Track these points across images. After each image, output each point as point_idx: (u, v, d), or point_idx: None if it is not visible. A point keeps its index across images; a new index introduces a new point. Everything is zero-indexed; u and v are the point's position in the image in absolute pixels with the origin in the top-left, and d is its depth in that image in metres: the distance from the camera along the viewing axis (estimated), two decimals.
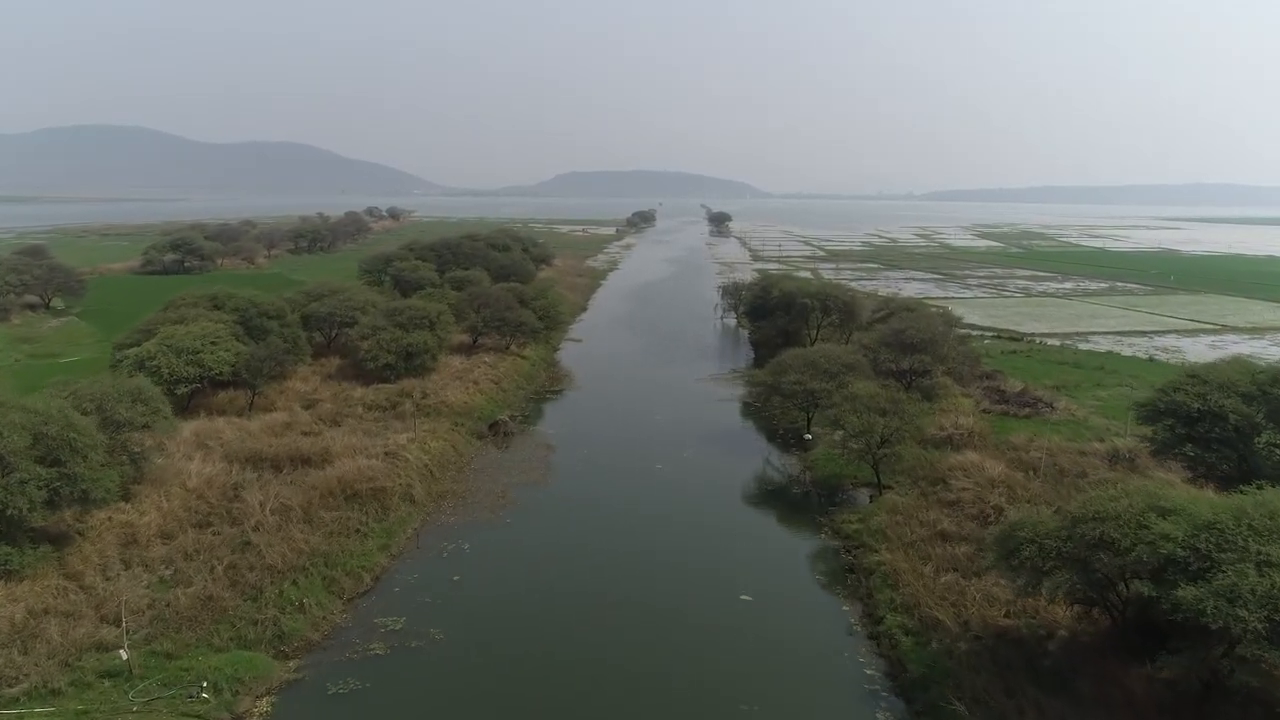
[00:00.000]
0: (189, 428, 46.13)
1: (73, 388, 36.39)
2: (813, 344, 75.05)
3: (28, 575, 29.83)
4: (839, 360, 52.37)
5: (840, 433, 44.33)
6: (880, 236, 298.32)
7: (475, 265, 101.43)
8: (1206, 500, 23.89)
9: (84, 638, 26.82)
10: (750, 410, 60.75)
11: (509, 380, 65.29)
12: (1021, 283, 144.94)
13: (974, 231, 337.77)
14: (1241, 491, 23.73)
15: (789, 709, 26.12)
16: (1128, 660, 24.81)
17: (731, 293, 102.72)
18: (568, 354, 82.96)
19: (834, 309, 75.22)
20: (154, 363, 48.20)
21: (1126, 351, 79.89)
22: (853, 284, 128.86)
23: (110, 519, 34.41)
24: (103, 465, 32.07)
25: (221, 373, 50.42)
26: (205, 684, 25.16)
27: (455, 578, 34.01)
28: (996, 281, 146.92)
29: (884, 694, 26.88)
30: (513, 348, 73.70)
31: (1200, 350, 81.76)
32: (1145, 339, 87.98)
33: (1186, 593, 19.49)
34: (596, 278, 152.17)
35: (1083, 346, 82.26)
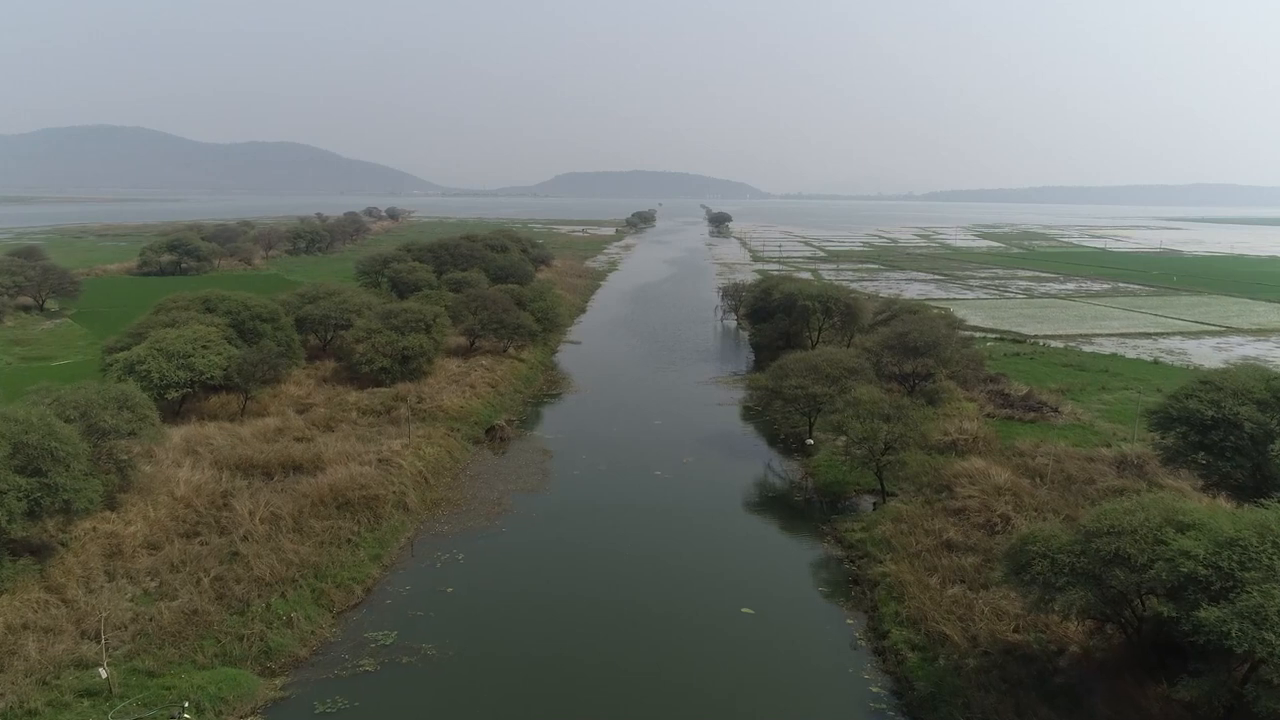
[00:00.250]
0: (179, 433, 45.25)
1: (56, 394, 35.50)
2: (814, 347, 74.25)
3: (7, 589, 28.93)
4: (841, 364, 51.52)
5: (843, 439, 43.47)
6: (880, 237, 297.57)
7: (473, 266, 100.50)
8: (1226, 514, 22.98)
9: (63, 654, 25.92)
10: (751, 414, 59.88)
11: (506, 384, 64.42)
12: (1023, 284, 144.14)
13: (974, 232, 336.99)
14: (1262, 505, 22.85)
15: None
16: (1143, 679, 23.96)
17: (731, 294, 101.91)
18: (566, 356, 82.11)
19: (835, 311, 74.37)
20: (144, 367, 47.29)
21: (1131, 354, 79.05)
22: (853, 285, 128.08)
23: (95, 529, 33.50)
24: (86, 474, 31.16)
25: (213, 377, 49.53)
26: (187, 704, 24.27)
27: (449, 589, 33.11)
28: (998, 282, 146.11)
29: (890, 713, 26.01)
30: (510, 350, 72.84)
31: (1205, 352, 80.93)
32: (1149, 341, 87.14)
33: (1209, 614, 18.61)
34: (596, 279, 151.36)
35: (1086, 349, 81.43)
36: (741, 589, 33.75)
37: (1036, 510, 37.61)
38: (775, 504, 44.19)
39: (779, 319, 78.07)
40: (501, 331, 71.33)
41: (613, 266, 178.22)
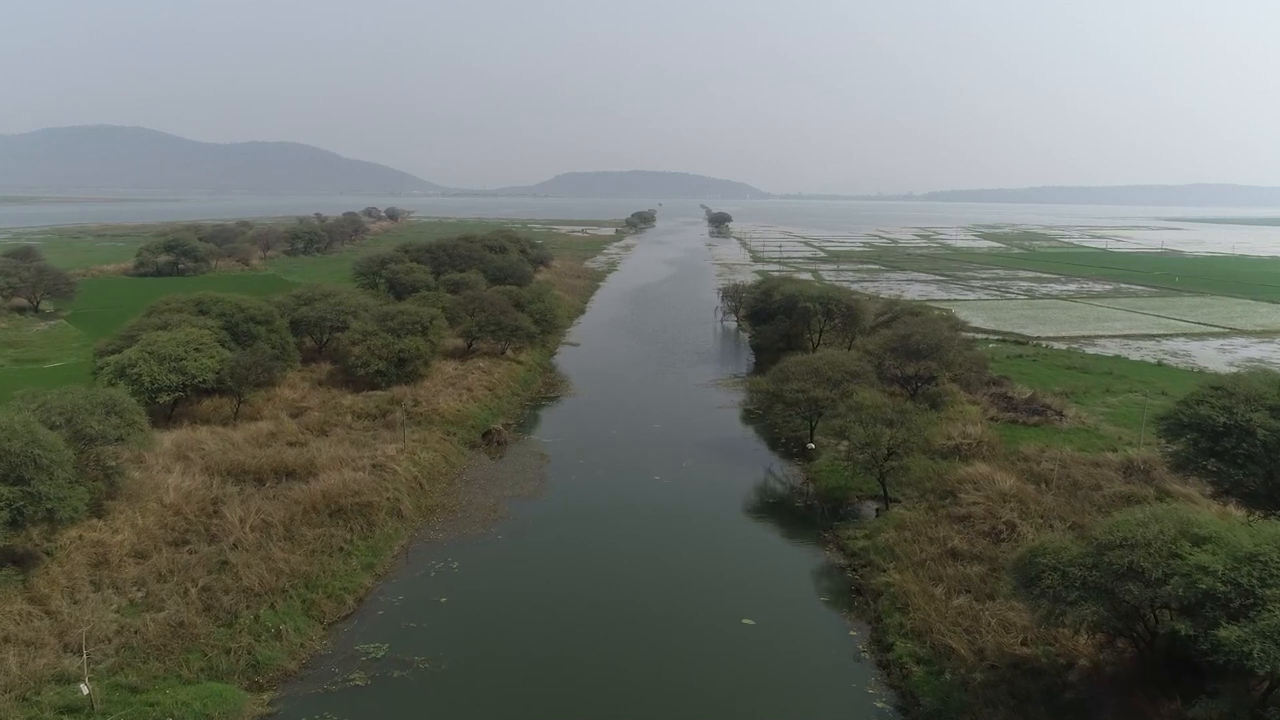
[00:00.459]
0: (170, 438, 44.52)
1: (41, 399, 34.75)
2: (815, 349, 73.54)
3: None
4: (843, 367, 50.78)
5: (845, 444, 42.75)
6: (881, 237, 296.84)
7: (471, 268, 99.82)
8: (1244, 527, 22.25)
9: (44, 669, 25.17)
10: (751, 416, 59.18)
11: (504, 386, 63.70)
12: (1025, 284, 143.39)
13: (975, 232, 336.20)
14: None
15: None
16: (1155, 695, 23.21)
17: (731, 295, 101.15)
18: (565, 358, 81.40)
19: (837, 313, 73.62)
20: (135, 370, 46.58)
21: (1134, 355, 78.32)
22: (854, 286, 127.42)
23: (81, 537, 32.75)
24: (71, 482, 30.44)
25: (205, 380, 48.81)
26: None
27: (442, 599, 32.36)
28: (999, 283, 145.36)
29: None
30: (508, 352, 72.11)
31: (1209, 354, 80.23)
32: (1153, 342, 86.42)
33: (1230, 633, 17.88)
34: (595, 279, 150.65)
35: (1089, 350, 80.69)
36: (742, 599, 33.02)
37: (1042, 517, 36.91)
38: (776, 510, 43.46)
39: (779, 321, 77.33)
40: (499, 333, 70.61)
41: (612, 267, 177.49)
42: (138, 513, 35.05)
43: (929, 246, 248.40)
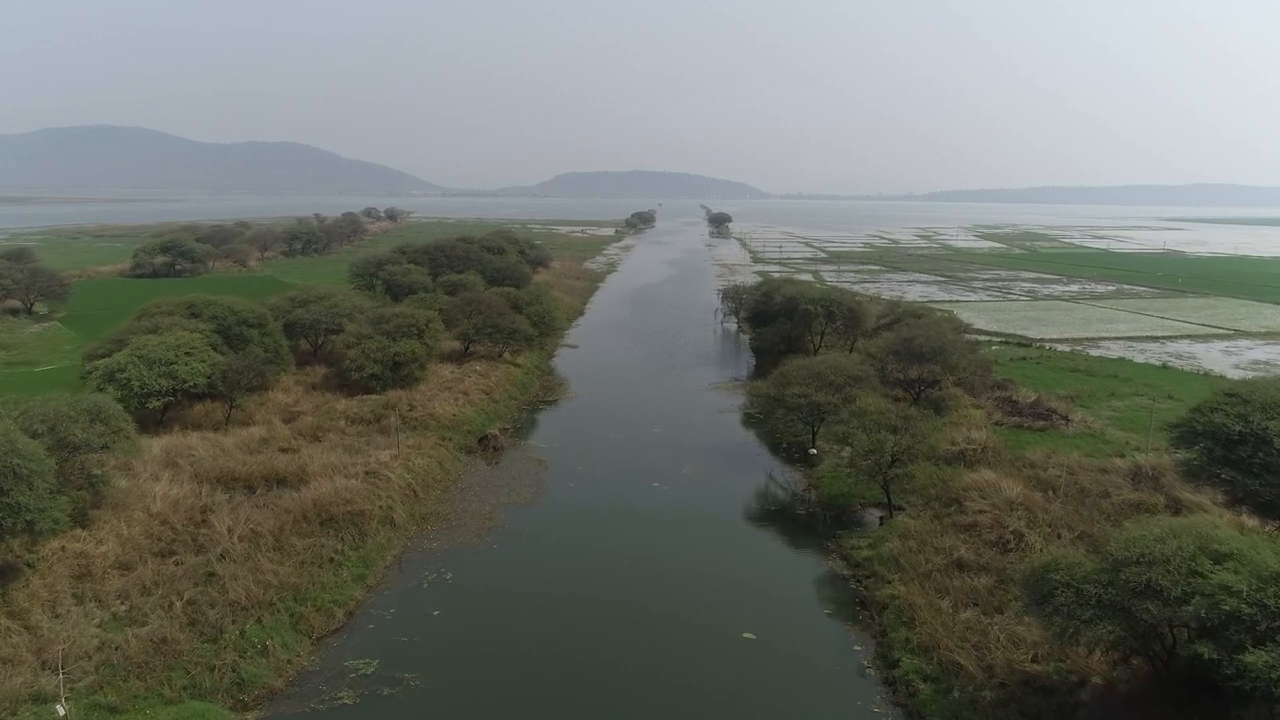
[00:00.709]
0: (159, 444, 43.67)
1: (23, 407, 33.85)
2: (816, 351, 72.70)
3: None
4: (845, 371, 49.90)
5: (848, 450, 41.87)
6: (881, 237, 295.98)
7: (469, 269, 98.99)
8: (1266, 544, 21.39)
9: (20, 688, 24.29)
10: (751, 420, 58.35)
11: (501, 390, 62.82)
12: (1027, 285, 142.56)
13: (975, 232, 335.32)
14: None
15: None
16: (1172, 715, 22.37)
17: (732, 296, 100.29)
18: (563, 361, 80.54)
19: (838, 315, 72.72)
20: (124, 375, 45.71)
21: (1139, 358, 77.45)
22: (855, 287, 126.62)
23: (64, 548, 31.86)
24: (52, 492, 29.55)
25: (196, 385, 47.92)
26: None
27: (435, 613, 31.51)
28: (1001, 284, 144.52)
29: None
30: (506, 355, 71.24)
31: (1214, 356, 79.38)
32: (1157, 344, 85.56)
33: (1256, 658, 17.04)
34: (594, 280, 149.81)
35: (1093, 352, 79.84)
36: (743, 611, 32.14)
37: (1050, 526, 36.08)
38: (778, 518, 42.58)
39: (780, 323, 76.46)
40: (496, 336, 69.73)
41: (611, 268, 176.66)
42: (123, 522, 34.18)
43: (930, 247, 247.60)
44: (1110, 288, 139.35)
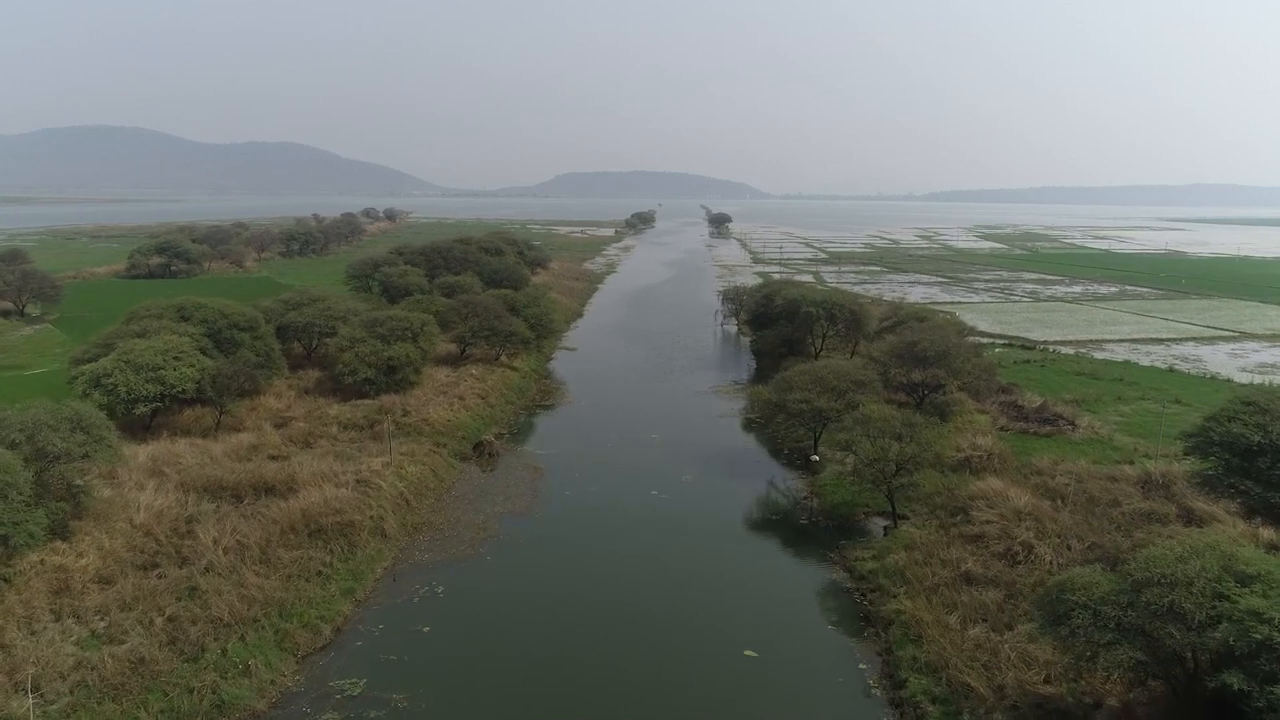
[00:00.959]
0: (146, 451, 42.65)
1: (1, 415, 32.83)
2: (817, 354, 71.72)
3: None
4: (848, 376, 48.87)
5: (851, 458, 40.86)
6: (882, 238, 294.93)
7: (467, 270, 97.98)
8: None
9: None
10: (752, 425, 57.33)
11: (497, 394, 61.76)
12: (1029, 286, 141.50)
13: (976, 233, 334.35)
14: None
15: None
16: None
17: (732, 298, 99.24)
18: (561, 363, 79.51)
19: (840, 318, 71.65)
20: (111, 380, 44.70)
21: (1144, 361, 76.40)
22: (856, 288, 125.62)
23: (43, 562, 30.80)
24: (28, 504, 28.56)
25: (185, 390, 46.87)
26: None
27: (425, 629, 30.46)
28: (1003, 285, 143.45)
29: None
30: (502, 358, 70.20)
31: (1221, 359, 78.36)
32: (1162, 347, 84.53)
33: None
34: (593, 282, 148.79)
35: (1098, 355, 78.80)
36: (744, 627, 31.12)
37: (1060, 537, 35.04)
38: (779, 527, 41.54)
39: (781, 325, 75.44)
40: (493, 339, 68.70)
41: (611, 269, 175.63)
42: (105, 534, 33.13)
43: (931, 248, 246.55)
44: (1113, 289, 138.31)
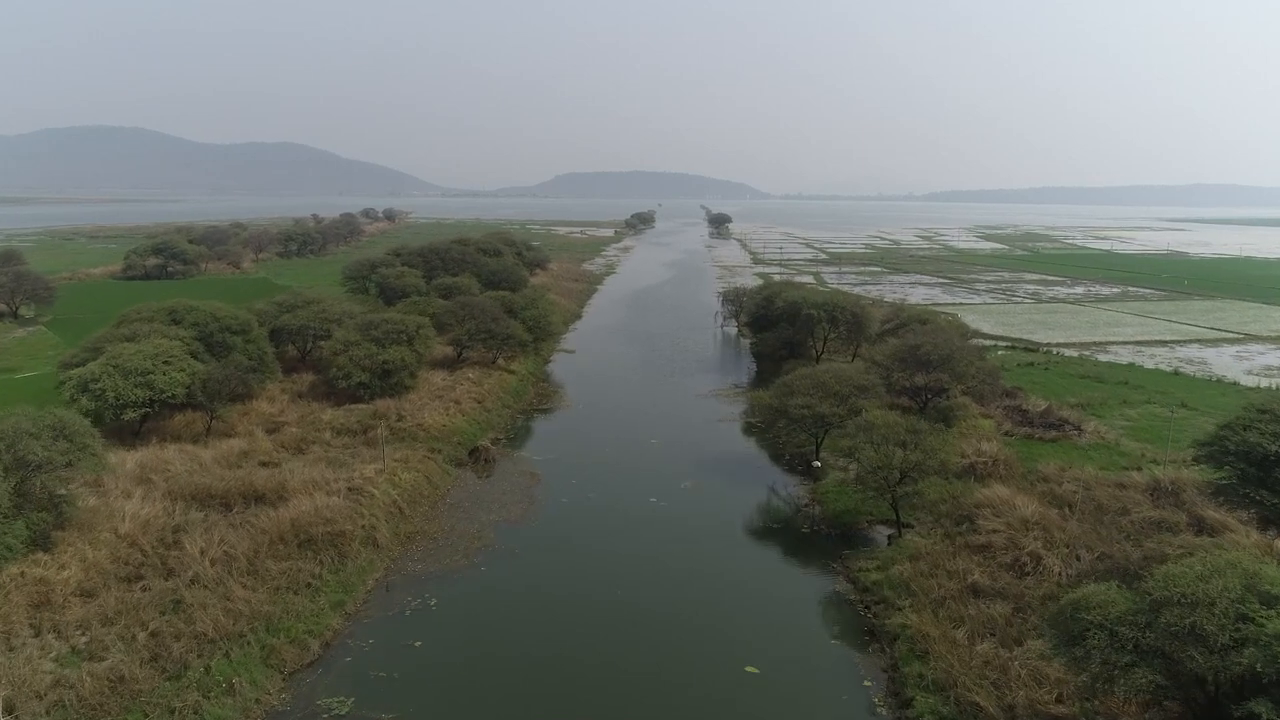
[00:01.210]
0: (134, 458, 41.77)
1: None
2: (819, 357, 70.86)
3: None
4: (851, 381, 47.99)
5: (854, 465, 39.98)
6: (882, 238, 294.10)
7: (464, 271, 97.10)
8: None
9: None
10: (753, 429, 56.44)
11: (494, 398, 60.86)
12: (1030, 287, 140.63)
13: (976, 233, 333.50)
14: None
15: None
16: None
17: (732, 300, 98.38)
18: (559, 366, 78.64)
19: (842, 321, 70.74)
20: (98, 385, 43.82)
21: (1149, 363, 75.53)
22: (857, 289, 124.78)
23: (23, 574, 29.91)
24: (6, 516, 27.69)
25: (174, 395, 45.98)
26: None
27: (416, 643, 29.57)
28: (1005, 286, 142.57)
29: None
30: (500, 361, 69.33)
31: (1226, 362, 77.49)
32: (1166, 349, 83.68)
33: None
34: (593, 283, 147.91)
35: (1102, 358, 77.95)
36: (745, 641, 30.24)
37: (1068, 547, 34.20)
38: (780, 535, 40.64)
39: (782, 328, 74.56)
40: (490, 342, 67.83)
41: (610, 269, 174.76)
42: (88, 545, 32.24)
43: (931, 248, 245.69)
44: (1115, 290, 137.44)
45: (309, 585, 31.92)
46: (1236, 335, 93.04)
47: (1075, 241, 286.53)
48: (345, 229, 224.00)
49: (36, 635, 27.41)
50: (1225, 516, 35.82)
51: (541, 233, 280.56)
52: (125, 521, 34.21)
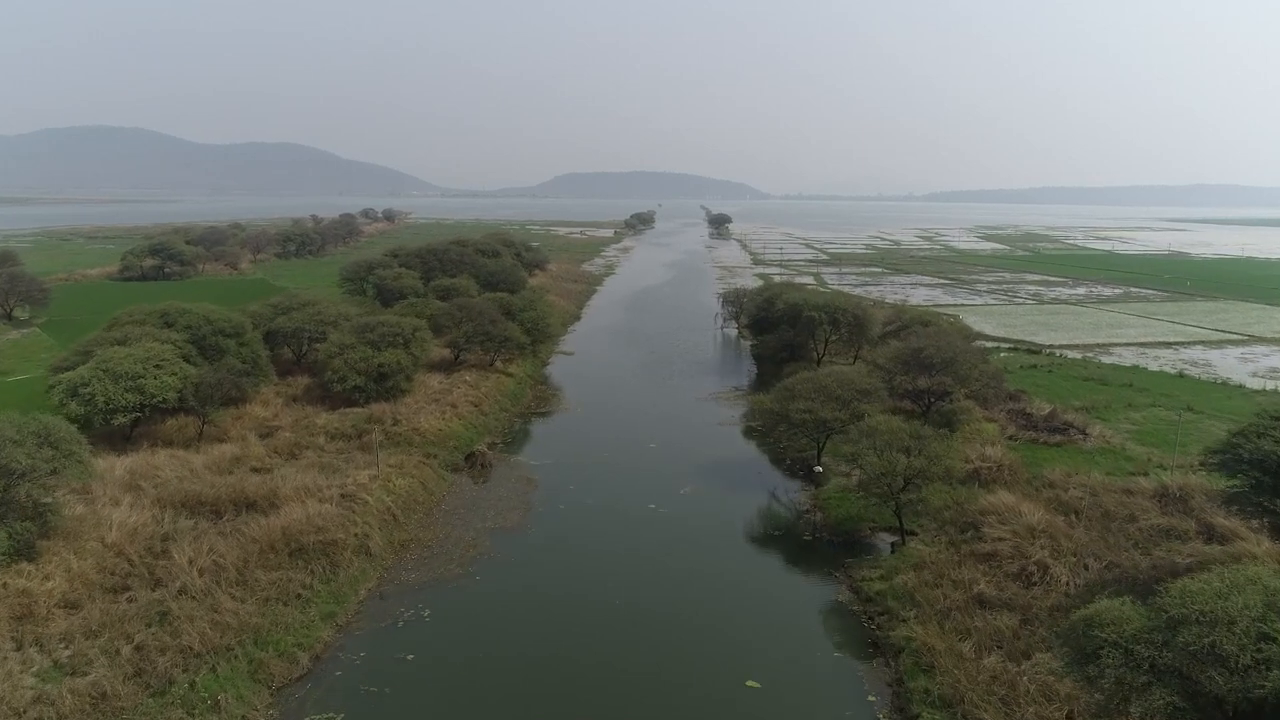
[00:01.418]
0: (124, 464, 41.05)
1: None
2: (820, 359, 70.14)
3: None
4: (853, 385, 47.24)
5: (857, 472, 39.25)
6: (883, 239, 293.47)
7: (462, 273, 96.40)
8: None
9: None
10: (753, 432, 55.69)
11: (491, 402, 60.12)
12: (1032, 288, 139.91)
13: (977, 233, 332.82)
14: None
15: None
16: None
17: (732, 301, 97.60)
18: (558, 368, 77.92)
19: (843, 323, 69.97)
20: (88, 390, 43.09)
21: (1153, 365, 74.82)
22: (857, 290, 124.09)
23: (5, 585, 29.20)
24: None
25: (166, 400, 45.25)
26: None
27: (409, 657, 28.83)
28: (1006, 287, 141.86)
29: None
30: (497, 364, 68.60)
31: (1230, 364, 76.78)
32: (1170, 351, 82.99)
33: None
34: (592, 284, 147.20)
35: (1105, 360, 77.25)
36: (746, 654, 29.51)
37: (1076, 555, 33.48)
38: (782, 542, 39.91)
39: (783, 330, 73.82)
40: (488, 344, 67.11)
41: (610, 270, 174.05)
42: (74, 554, 31.52)
43: (932, 249, 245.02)
44: (1117, 290, 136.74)
45: (299, 596, 31.19)
46: (1240, 337, 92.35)
47: (1076, 242, 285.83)
48: (344, 230, 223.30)
49: (18, 649, 26.69)
50: (1236, 524, 35.07)
51: (541, 233, 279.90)
52: (112, 530, 33.48)
